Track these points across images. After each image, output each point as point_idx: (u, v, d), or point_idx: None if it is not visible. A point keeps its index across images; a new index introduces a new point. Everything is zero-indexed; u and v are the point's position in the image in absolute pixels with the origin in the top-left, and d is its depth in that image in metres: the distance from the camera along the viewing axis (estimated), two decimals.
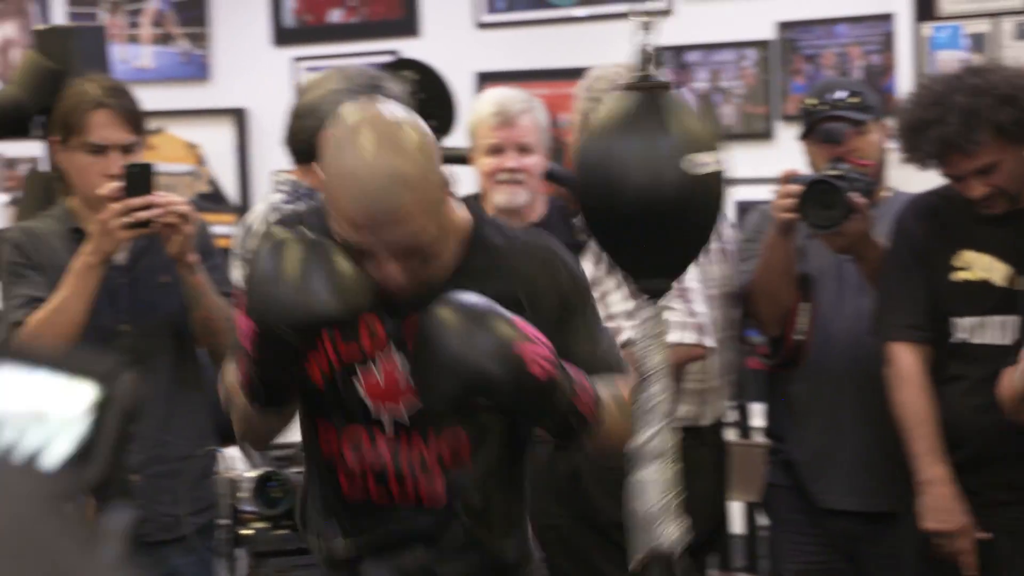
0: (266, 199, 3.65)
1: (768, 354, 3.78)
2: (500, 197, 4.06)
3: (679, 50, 5.46)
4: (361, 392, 2.37)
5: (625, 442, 2.28)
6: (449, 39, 5.99)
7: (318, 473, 2.47)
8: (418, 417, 2.36)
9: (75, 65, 3.68)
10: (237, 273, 3.64)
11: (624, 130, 2.19)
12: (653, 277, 2.27)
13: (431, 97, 4.47)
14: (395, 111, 2.29)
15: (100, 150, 3.32)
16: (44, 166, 3.90)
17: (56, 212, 3.44)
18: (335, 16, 6.35)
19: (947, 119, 3.25)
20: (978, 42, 4.95)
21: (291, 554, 2.80)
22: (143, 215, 3.21)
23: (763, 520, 4.14)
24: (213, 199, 6.54)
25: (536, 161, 4.08)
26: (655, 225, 2.16)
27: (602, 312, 3.51)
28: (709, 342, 3.45)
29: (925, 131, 3.29)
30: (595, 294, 3.53)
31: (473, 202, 4.20)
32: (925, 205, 3.48)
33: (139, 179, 3.22)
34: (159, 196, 3.24)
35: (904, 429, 3.38)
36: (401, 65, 4.76)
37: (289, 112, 3.61)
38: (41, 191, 3.72)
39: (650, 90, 2.21)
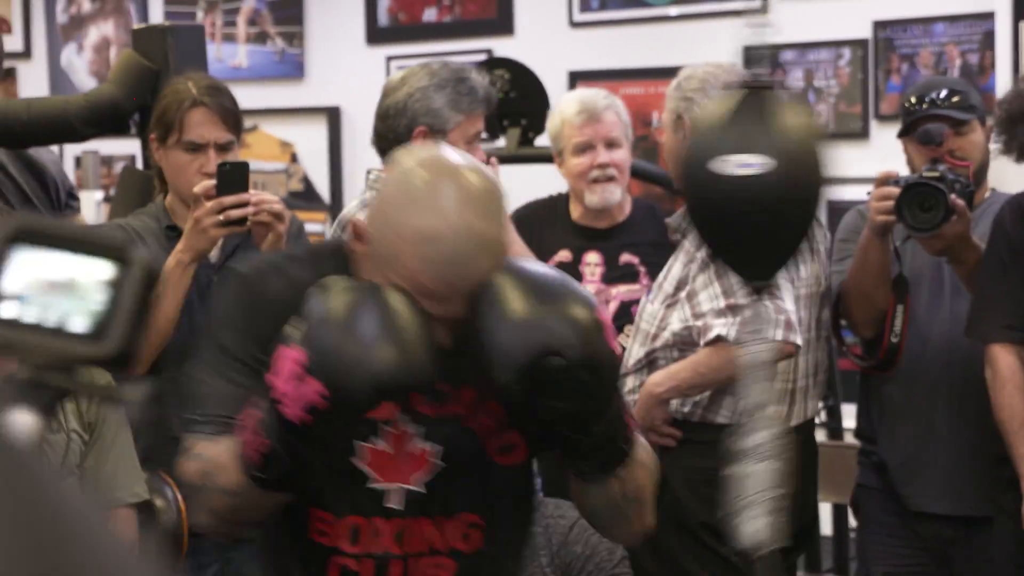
0: (360, 197, 3.67)
1: (862, 355, 3.74)
2: (594, 197, 4.06)
3: (774, 49, 5.43)
4: (363, 467, 2.12)
5: (646, 498, 2.13)
6: (543, 38, 6.00)
7: (302, 570, 2.18)
8: (431, 494, 2.11)
9: (172, 64, 3.72)
10: None
11: (727, 129, 2.19)
12: (756, 272, 2.27)
13: (523, 96, 4.49)
14: (463, 159, 2.05)
15: (197, 148, 3.35)
16: (140, 164, 3.94)
17: (152, 210, 3.48)
18: (429, 15, 6.37)
19: None
20: None
21: None
22: (236, 213, 3.23)
23: (852, 522, 4.11)
24: (305, 197, 6.58)
25: (624, 156, 4.08)
26: (754, 223, 2.17)
27: (690, 311, 3.51)
28: (797, 339, 3.42)
29: (1022, 122, 3.27)
30: (682, 294, 3.53)
31: (561, 203, 4.22)
32: (1023, 205, 3.43)
33: (233, 177, 3.24)
34: (252, 194, 3.26)
35: (1006, 431, 3.34)
36: (494, 64, 4.78)
37: (377, 114, 3.62)
38: (135, 189, 3.76)
39: (757, 89, 2.21)
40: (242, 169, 3.28)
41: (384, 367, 1.87)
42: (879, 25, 5.32)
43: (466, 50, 5.95)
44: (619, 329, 4.05)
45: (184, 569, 3.19)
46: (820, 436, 4.10)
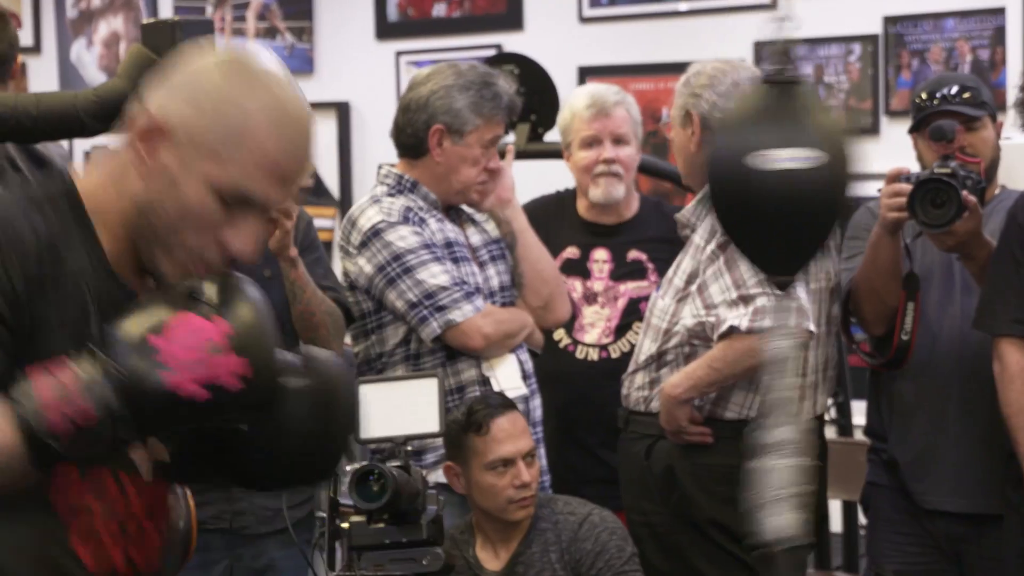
0: (370, 192, 3.67)
1: (872, 352, 3.74)
2: (597, 192, 4.07)
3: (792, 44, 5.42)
4: None
5: None
6: (552, 33, 5.99)
7: (38, 541, 1.84)
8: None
9: None
10: (339, 267, 3.66)
11: (758, 124, 2.19)
12: (783, 268, 2.27)
13: (533, 91, 4.48)
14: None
15: None
16: None
17: None
18: (439, 10, 6.36)
19: None
20: None
21: (388, 548, 2.80)
22: None
23: (862, 519, 4.10)
24: (315, 192, 6.58)
25: (631, 153, 4.08)
26: (788, 218, 2.16)
27: (701, 304, 3.50)
28: (811, 326, 3.42)
29: None
30: (692, 287, 3.53)
31: (568, 199, 4.22)
32: None
33: None
34: None
35: (1012, 427, 3.33)
36: (503, 59, 4.77)
37: (399, 106, 3.62)
38: None
39: (784, 84, 2.21)
40: None
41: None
42: (889, 20, 5.31)
43: (475, 45, 5.95)
44: (627, 326, 4.05)
45: (193, 564, 3.19)
46: (830, 433, 4.09)
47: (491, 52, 5.65)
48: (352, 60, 6.53)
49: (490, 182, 3.60)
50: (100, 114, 3.77)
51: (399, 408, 2.87)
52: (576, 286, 4.09)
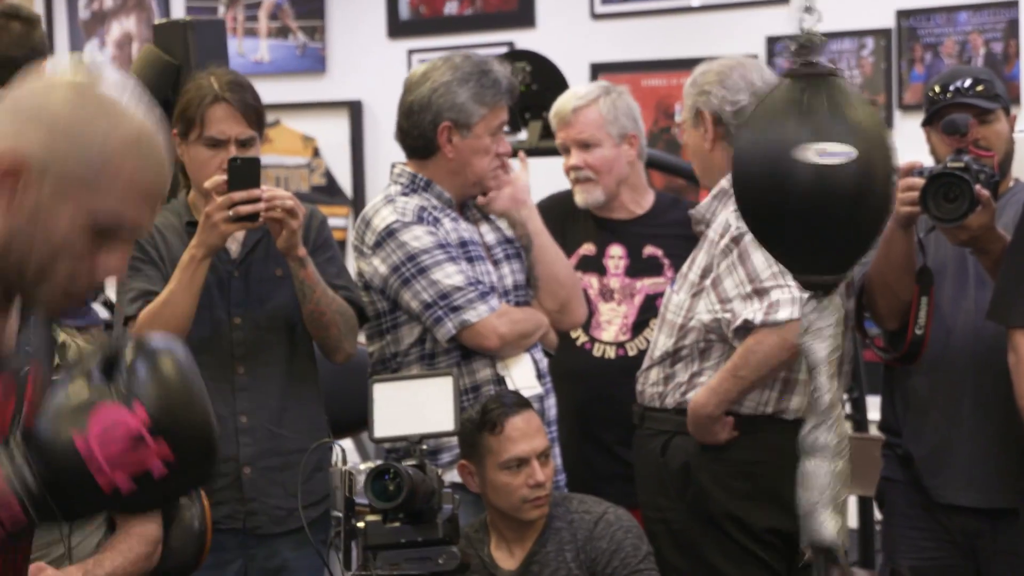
0: (384, 192, 3.67)
1: (885, 347, 3.73)
2: (578, 197, 4.09)
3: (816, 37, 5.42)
4: None
5: None
6: (564, 30, 5.99)
7: None
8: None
9: (193, 59, 3.72)
10: (353, 266, 3.66)
11: (789, 119, 2.13)
12: (823, 270, 2.21)
13: (545, 88, 4.48)
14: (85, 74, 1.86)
15: (218, 144, 3.35)
16: None
17: (175, 206, 3.48)
18: (451, 8, 6.36)
19: None
20: None
21: (403, 547, 2.80)
22: (246, 209, 3.22)
23: (878, 515, 4.09)
24: (328, 191, 6.59)
25: (604, 154, 4.04)
26: (825, 218, 2.11)
27: (716, 298, 3.50)
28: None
29: None
30: (707, 282, 3.52)
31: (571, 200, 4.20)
32: None
33: (243, 173, 3.24)
34: (264, 190, 3.26)
35: None
36: (515, 56, 4.77)
37: (401, 110, 3.62)
38: None
39: (815, 77, 2.16)
40: (252, 165, 3.27)
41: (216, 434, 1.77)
42: (902, 14, 5.29)
43: (488, 43, 5.95)
44: (644, 323, 4.04)
45: (207, 565, 3.20)
46: (845, 426, 4.08)
47: (503, 50, 5.65)
48: (364, 59, 6.53)
49: (501, 168, 3.62)
50: None
51: (414, 407, 2.87)
52: (592, 283, 4.09)
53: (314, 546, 3.19)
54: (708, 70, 3.65)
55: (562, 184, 4.29)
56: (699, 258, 3.60)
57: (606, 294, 4.10)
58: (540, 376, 3.64)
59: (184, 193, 3.49)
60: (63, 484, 1.72)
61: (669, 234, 4.08)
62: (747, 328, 3.44)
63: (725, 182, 3.56)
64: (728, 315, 3.47)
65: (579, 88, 4.17)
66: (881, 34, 5.33)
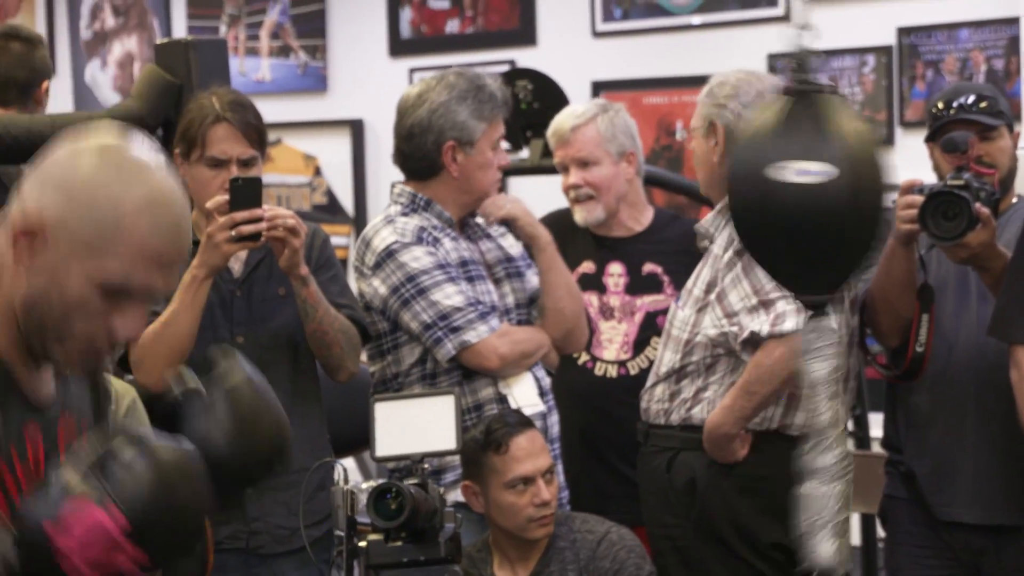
0: (384, 212, 3.67)
1: (887, 364, 3.72)
2: (578, 216, 4.08)
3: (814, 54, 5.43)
4: None
5: None
6: (565, 48, 6.00)
7: None
8: None
9: (195, 78, 3.73)
10: (354, 286, 3.66)
11: (775, 138, 2.14)
12: (814, 290, 2.21)
13: (547, 106, 4.48)
14: (113, 135, 1.92)
15: (219, 164, 3.35)
16: None
17: None
18: (452, 26, 6.37)
19: None
20: None
21: (405, 566, 2.80)
22: (248, 229, 3.23)
23: (881, 532, 4.09)
24: (329, 210, 6.59)
25: (603, 172, 4.04)
26: (817, 236, 2.11)
27: (721, 312, 3.50)
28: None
29: None
30: (712, 296, 3.52)
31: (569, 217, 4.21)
32: None
33: (245, 192, 3.24)
34: (266, 209, 3.26)
35: None
36: (517, 75, 4.78)
37: (399, 134, 3.62)
38: None
39: (809, 94, 2.16)
40: (254, 184, 3.28)
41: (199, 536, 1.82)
42: (903, 31, 5.30)
43: (489, 61, 5.96)
44: (646, 341, 4.04)
45: None
46: (848, 445, 4.07)
47: (504, 68, 5.66)
48: (366, 78, 6.54)
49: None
50: None
51: (415, 425, 2.87)
52: (592, 301, 4.08)
53: (317, 565, 3.19)
54: (725, 82, 3.64)
55: (561, 201, 4.30)
56: (704, 273, 3.60)
57: (606, 312, 4.09)
58: (542, 394, 3.64)
59: None
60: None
61: (669, 251, 4.08)
62: (754, 340, 3.44)
63: None
64: (735, 328, 3.47)
65: (576, 107, 4.17)
66: (882, 51, 5.34)
